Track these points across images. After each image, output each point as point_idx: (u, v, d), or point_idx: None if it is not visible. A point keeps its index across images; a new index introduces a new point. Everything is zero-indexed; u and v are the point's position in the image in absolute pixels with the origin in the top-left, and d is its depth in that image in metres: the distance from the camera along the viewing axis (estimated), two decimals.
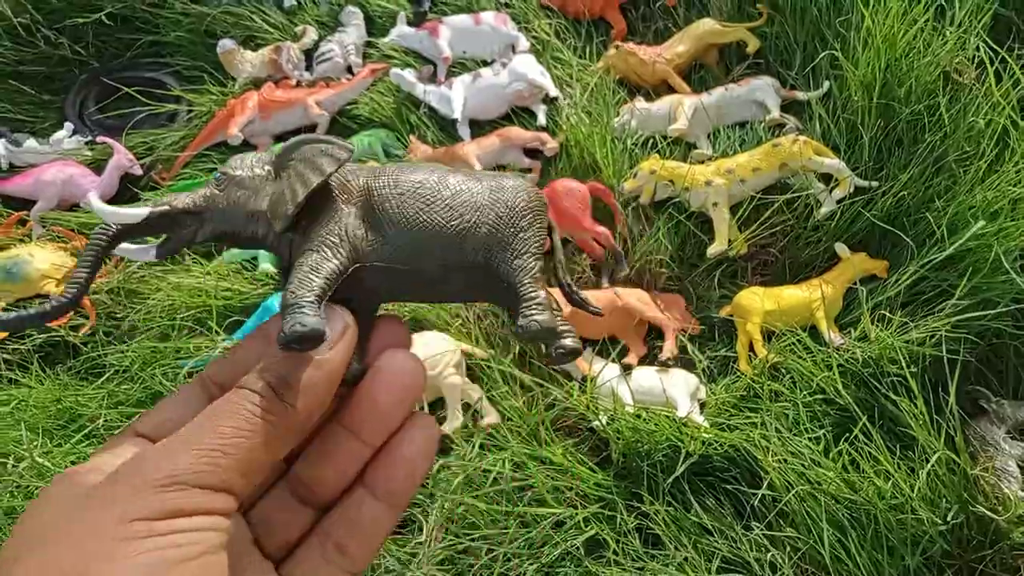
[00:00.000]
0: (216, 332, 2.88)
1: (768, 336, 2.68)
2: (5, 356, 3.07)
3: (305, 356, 0.64)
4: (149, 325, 2.99)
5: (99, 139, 3.70)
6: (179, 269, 3.17)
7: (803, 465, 2.21)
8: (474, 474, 2.32)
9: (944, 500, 2.11)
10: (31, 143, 3.69)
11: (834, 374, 2.40)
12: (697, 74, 3.44)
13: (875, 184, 2.77)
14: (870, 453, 2.21)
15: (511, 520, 2.26)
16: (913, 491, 2.06)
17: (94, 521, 0.55)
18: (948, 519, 2.06)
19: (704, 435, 2.36)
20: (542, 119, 3.27)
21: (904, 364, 2.30)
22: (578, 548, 2.22)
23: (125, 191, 3.63)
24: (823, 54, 3.01)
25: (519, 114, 3.38)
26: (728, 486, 2.34)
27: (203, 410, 0.62)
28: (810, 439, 2.31)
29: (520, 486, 2.33)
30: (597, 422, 2.48)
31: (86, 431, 2.72)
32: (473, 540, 2.23)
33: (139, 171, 3.62)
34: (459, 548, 2.23)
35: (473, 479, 2.32)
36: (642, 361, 2.74)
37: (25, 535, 0.57)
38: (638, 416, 2.42)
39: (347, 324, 0.68)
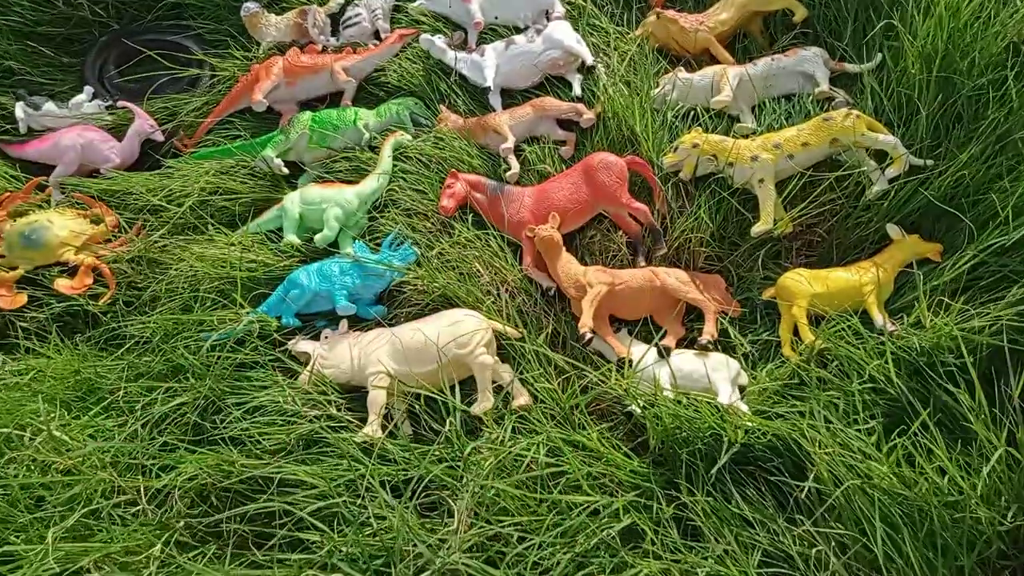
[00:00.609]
0: (240, 305, 2.80)
1: (815, 321, 2.56)
2: (23, 324, 3.01)
3: None
4: (171, 296, 2.91)
5: (120, 104, 3.60)
6: (202, 239, 3.08)
7: (853, 458, 2.10)
8: (506, 459, 2.23)
9: (1003, 499, 2.00)
10: (50, 106, 3.61)
11: (887, 362, 2.28)
12: (741, 44, 3.28)
13: (931, 162, 2.63)
14: (926, 447, 2.10)
15: (544, 507, 2.17)
16: (975, 490, 1.94)
17: None
18: (1009, 519, 1.95)
19: (747, 423, 2.26)
20: (578, 89, 3.13)
21: (963, 353, 2.18)
22: (613, 538, 2.13)
23: (146, 157, 3.54)
24: (880, 23, 2.85)
25: (554, 83, 3.23)
26: (771, 477, 2.24)
27: None
28: (860, 431, 2.20)
29: (554, 472, 2.24)
30: (635, 407, 2.38)
31: (105, 403, 2.66)
32: (504, 527, 2.14)
33: (160, 137, 3.53)
34: (489, 535, 2.15)
35: (505, 464, 2.23)
36: (680, 343, 2.63)
37: None
38: (678, 402, 2.32)
39: None
